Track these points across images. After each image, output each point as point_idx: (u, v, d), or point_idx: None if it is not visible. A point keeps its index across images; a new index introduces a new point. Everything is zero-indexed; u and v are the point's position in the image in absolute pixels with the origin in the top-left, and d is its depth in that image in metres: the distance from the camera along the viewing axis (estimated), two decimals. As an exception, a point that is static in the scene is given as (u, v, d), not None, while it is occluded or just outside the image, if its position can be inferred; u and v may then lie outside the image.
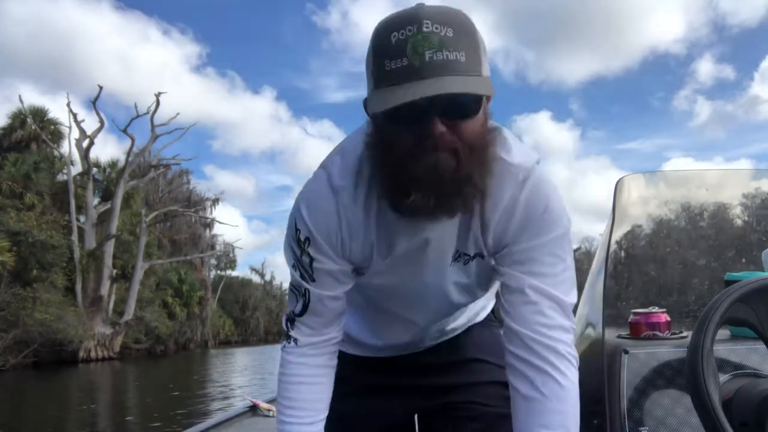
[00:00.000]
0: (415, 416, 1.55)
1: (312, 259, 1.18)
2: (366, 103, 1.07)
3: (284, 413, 1.24)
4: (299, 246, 1.18)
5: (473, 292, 1.30)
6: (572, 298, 1.14)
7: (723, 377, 1.18)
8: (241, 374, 20.79)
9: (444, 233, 1.14)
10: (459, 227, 1.15)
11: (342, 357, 1.36)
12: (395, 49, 0.95)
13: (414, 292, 1.27)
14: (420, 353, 1.48)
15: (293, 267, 1.22)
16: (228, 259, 55.62)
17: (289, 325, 1.26)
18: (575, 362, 1.11)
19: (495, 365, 1.39)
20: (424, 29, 0.94)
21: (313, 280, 1.19)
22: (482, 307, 1.51)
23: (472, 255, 1.18)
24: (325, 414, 1.28)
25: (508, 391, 1.17)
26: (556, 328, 1.11)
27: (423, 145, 0.97)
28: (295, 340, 1.25)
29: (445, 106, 0.96)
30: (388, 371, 1.49)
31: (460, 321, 1.46)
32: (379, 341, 1.46)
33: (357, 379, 1.48)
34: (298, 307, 1.23)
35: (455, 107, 0.97)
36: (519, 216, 1.12)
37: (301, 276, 1.20)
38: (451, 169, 0.98)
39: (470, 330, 1.49)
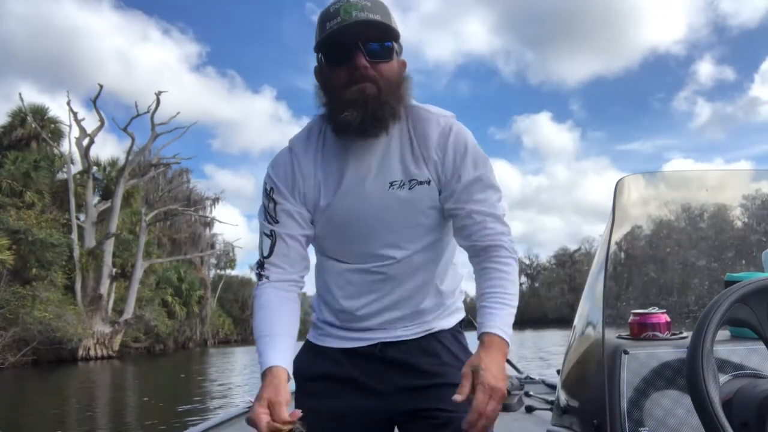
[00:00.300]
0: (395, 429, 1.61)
1: (276, 203, 1.49)
2: (315, 70, 1.47)
3: (259, 328, 1.41)
4: (267, 196, 1.51)
5: (417, 209, 1.49)
6: (504, 211, 1.49)
7: (723, 378, 1.18)
8: (240, 373, 20.79)
9: (385, 165, 1.45)
10: (401, 161, 1.46)
11: (315, 351, 1.60)
12: (332, 14, 1.35)
13: (362, 220, 1.48)
14: (390, 346, 1.56)
15: (264, 218, 1.51)
16: (228, 258, 55.66)
17: (259, 269, 1.49)
18: (515, 254, 1.47)
19: (453, 369, 1.50)
20: (353, 1, 1.34)
21: (277, 222, 1.48)
22: (443, 311, 1.61)
23: (420, 181, 1.45)
24: (293, 339, 1.43)
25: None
26: (499, 234, 1.46)
27: (353, 77, 1.35)
28: (267, 277, 1.47)
29: (367, 49, 1.35)
30: (360, 368, 1.56)
31: (426, 302, 1.57)
32: (349, 302, 1.55)
33: (330, 377, 1.57)
34: (266, 250, 1.48)
35: (374, 51, 1.36)
36: (450, 155, 1.45)
37: (268, 221, 1.49)
38: (373, 94, 1.36)
39: (438, 335, 1.59)
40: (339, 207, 1.48)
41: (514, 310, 1.41)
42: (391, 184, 1.44)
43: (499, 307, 1.39)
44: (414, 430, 1.53)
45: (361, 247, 1.51)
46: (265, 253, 1.48)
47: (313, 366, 1.59)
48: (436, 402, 1.48)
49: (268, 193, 1.50)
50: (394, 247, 1.50)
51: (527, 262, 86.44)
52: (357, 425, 1.55)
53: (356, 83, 1.36)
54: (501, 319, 1.37)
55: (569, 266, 79.00)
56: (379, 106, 1.37)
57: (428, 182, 1.45)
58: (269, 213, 1.49)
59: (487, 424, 1.24)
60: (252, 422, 1.25)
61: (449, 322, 1.62)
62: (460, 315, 1.66)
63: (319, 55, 1.43)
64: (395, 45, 1.40)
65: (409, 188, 1.45)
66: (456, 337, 1.63)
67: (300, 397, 1.59)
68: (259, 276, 1.48)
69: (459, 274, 1.65)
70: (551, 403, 4.08)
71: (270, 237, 1.48)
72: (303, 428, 1.23)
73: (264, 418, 1.24)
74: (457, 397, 1.25)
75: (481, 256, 1.46)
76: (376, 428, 1.57)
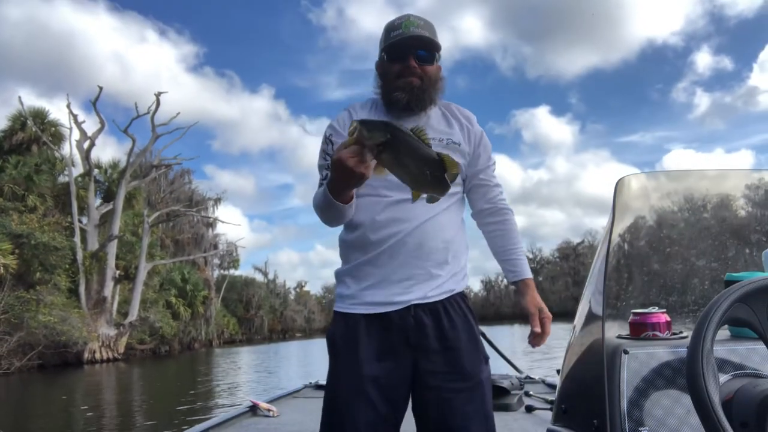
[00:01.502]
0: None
1: (333, 143, 1.89)
2: (377, 64, 1.96)
3: (318, 192, 1.76)
4: (326, 141, 1.93)
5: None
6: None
7: (723, 377, 1.18)
8: (246, 373, 20.83)
9: (427, 129, 1.76)
10: (439, 128, 1.92)
11: (345, 320, 1.84)
12: (396, 26, 1.88)
13: None
14: (420, 309, 1.81)
15: (323, 158, 1.90)
16: (231, 258, 55.64)
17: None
18: (512, 210, 2.04)
19: (470, 334, 1.87)
20: (412, 19, 1.88)
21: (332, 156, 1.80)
22: (461, 268, 1.94)
23: (454, 141, 1.92)
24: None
25: (480, 354, 1.86)
26: (504, 199, 2.04)
27: (404, 72, 1.86)
28: None
29: (417, 54, 1.86)
30: (392, 331, 1.80)
31: (453, 243, 1.89)
32: (385, 230, 1.82)
33: (363, 343, 1.80)
34: (324, 175, 1.84)
35: (421, 56, 1.87)
36: (473, 135, 1.98)
37: (325, 158, 1.88)
38: (418, 84, 1.86)
39: (457, 298, 1.90)
40: None
41: None
42: (432, 138, 1.77)
43: (523, 257, 1.99)
44: (435, 388, 1.79)
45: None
46: (322, 177, 1.85)
47: (346, 334, 1.83)
48: (451, 365, 1.81)
49: (328, 138, 1.92)
50: None
51: (530, 255, 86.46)
52: (390, 386, 1.78)
53: (406, 76, 1.86)
54: (527, 266, 1.99)
55: (573, 259, 79.01)
56: (421, 92, 1.87)
57: (459, 144, 1.92)
58: (327, 152, 1.89)
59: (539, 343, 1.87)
60: (336, 162, 1.49)
61: (462, 284, 1.94)
62: (467, 281, 1.98)
63: (382, 54, 1.92)
64: (436, 54, 1.90)
65: (446, 144, 1.90)
66: (465, 301, 1.93)
67: (335, 365, 1.85)
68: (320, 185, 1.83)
69: (467, 245, 1.99)
70: (551, 402, 4.08)
71: (327, 168, 1.79)
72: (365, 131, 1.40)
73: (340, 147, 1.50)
74: (537, 330, 1.86)
75: (498, 215, 2.01)
76: (406, 384, 1.81)
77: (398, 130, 1.41)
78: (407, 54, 1.86)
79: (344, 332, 1.84)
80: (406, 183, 1.48)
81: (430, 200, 1.56)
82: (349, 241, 1.90)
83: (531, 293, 1.92)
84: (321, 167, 1.89)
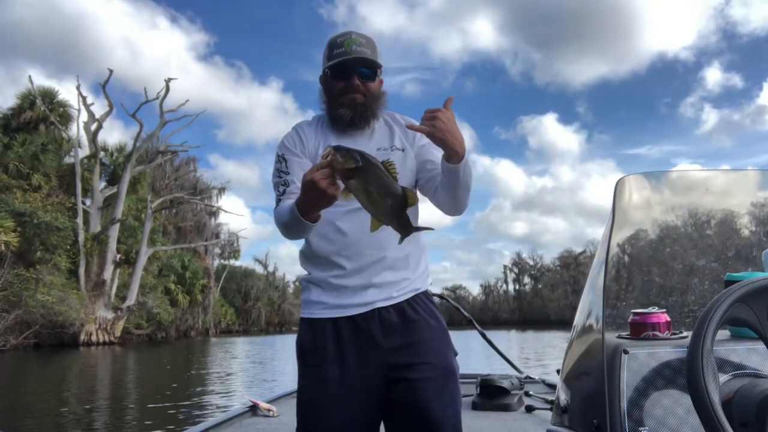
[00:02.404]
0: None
1: (286, 161, 1.94)
2: (321, 78, 2.01)
3: (283, 206, 1.78)
4: (279, 160, 1.96)
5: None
6: None
7: (723, 377, 1.17)
8: (241, 363, 20.86)
9: (372, 141, 1.95)
10: (382, 138, 1.98)
11: (312, 326, 1.88)
12: (339, 44, 1.93)
13: None
14: (384, 311, 1.85)
15: (278, 176, 1.94)
16: (232, 248, 55.70)
17: (276, 204, 1.90)
18: None
19: (436, 327, 1.90)
20: (353, 37, 1.94)
21: (287, 173, 1.92)
22: (423, 270, 1.98)
23: (397, 147, 1.96)
24: None
25: (448, 346, 1.89)
26: None
27: (347, 89, 1.92)
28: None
29: (359, 72, 1.92)
30: (358, 333, 1.84)
31: (410, 247, 1.88)
32: (343, 238, 1.87)
33: (330, 347, 1.84)
34: (281, 191, 1.90)
35: (364, 73, 1.93)
36: (417, 139, 1.97)
37: (280, 175, 1.93)
38: (361, 101, 1.92)
39: (422, 296, 1.94)
40: None
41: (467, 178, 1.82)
42: (378, 148, 1.92)
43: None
44: (405, 380, 1.80)
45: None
46: (280, 194, 1.89)
47: (313, 339, 1.87)
48: (420, 356, 1.82)
49: (281, 156, 1.96)
50: None
51: (531, 263, 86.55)
52: (360, 385, 1.81)
53: (350, 93, 1.92)
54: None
55: (573, 268, 78.92)
56: (364, 109, 1.93)
57: (403, 150, 1.96)
58: (281, 170, 1.94)
59: (433, 124, 1.65)
60: (308, 183, 1.53)
61: (426, 283, 1.98)
62: (430, 279, 2.02)
63: (326, 70, 1.96)
64: (378, 71, 1.97)
65: (391, 150, 1.95)
66: (430, 299, 1.98)
67: (304, 370, 1.88)
68: (277, 203, 1.90)
69: (425, 245, 2.02)
70: (551, 402, 4.08)
71: (285, 184, 1.90)
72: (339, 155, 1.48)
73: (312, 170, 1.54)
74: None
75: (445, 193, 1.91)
76: (376, 385, 1.82)
77: (368, 160, 1.50)
78: (350, 72, 1.91)
79: (312, 337, 1.88)
80: (368, 210, 1.56)
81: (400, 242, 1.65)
82: (308, 251, 1.95)
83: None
84: (276, 184, 1.94)
